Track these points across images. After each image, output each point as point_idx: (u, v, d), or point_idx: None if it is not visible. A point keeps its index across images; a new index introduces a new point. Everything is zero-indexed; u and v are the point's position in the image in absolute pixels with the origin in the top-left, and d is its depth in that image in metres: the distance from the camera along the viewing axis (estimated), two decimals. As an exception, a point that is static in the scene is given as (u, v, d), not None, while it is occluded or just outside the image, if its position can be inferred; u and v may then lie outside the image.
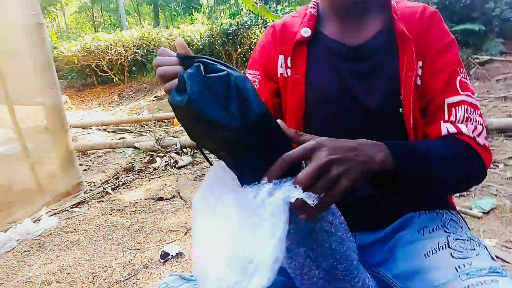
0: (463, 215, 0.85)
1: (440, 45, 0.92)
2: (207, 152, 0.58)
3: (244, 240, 0.51)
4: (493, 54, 5.48)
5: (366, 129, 0.91)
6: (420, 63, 0.91)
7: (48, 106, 2.51)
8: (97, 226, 2.06)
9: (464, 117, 0.84)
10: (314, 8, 0.99)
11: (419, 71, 0.90)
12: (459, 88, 0.90)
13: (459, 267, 0.75)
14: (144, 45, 7.99)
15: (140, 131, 4.72)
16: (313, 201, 0.51)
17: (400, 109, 0.89)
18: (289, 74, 0.94)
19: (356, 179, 0.58)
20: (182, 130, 4.51)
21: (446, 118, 0.84)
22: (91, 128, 5.17)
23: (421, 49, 0.90)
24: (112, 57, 7.88)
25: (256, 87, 0.95)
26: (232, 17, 7.76)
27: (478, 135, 0.82)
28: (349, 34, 0.92)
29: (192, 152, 3.34)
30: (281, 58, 0.95)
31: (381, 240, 0.92)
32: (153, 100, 6.84)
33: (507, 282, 0.71)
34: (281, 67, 0.95)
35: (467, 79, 0.91)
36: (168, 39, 7.68)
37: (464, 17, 6.03)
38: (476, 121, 0.84)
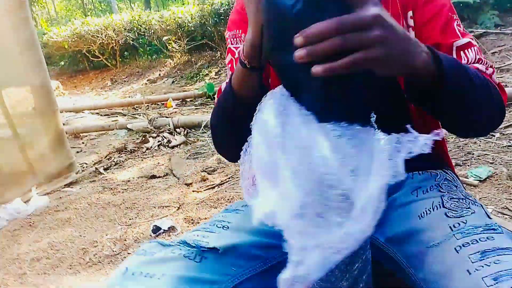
0: (474, 198, 0.81)
1: None
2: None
3: (341, 177, 0.46)
4: (488, 27, 5.41)
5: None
6: (410, 12, 0.87)
7: (36, 87, 2.45)
8: (89, 205, 2.03)
9: (476, 58, 0.81)
10: None
11: (410, 22, 0.86)
12: (459, 33, 0.87)
13: (454, 226, 0.72)
14: (135, 28, 7.86)
15: (133, 114, 4.67)
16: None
17: None
18: None
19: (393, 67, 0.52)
20: (175, 111, 4.46)
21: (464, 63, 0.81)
22: (83, 112, 5.11)
23: None
24: (103, 41, 7.76)
25: (236, 56, 0.89)
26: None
27: (492, 74, 0.79)
28: None
29: (186, 132, 3.30)
30: None
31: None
32: (146, 84, 6.77)
33: (503, 238, 0.67)
34: None
35: (461, 26, 0.88)
36: (159, 21, 7.55)
37: (458, -10, 5.95)
38: (487, 62, 0.81)
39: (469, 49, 0.86)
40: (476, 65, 0.80)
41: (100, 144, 3.38)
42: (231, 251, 0.71)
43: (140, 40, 7.94)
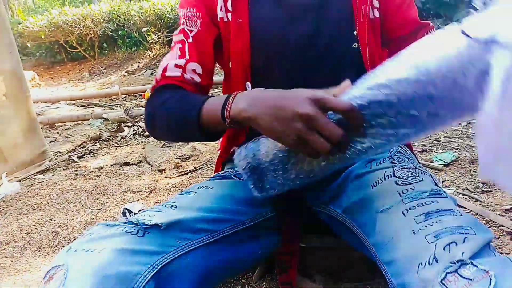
0: (425, 168, 0.86)
1: None
2: None
3: None
4: (463, 24, 5.54)
5: (320, 68, 0.89)
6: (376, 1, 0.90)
7: (6, 72, 2.41)
8: (60, 191, 2.02)
9: None
10: None
11: (376, 3, 0.89)
12: (416, 15, 0.95)
13: (403, 192, 0.76)
14: (114, 19, 7.75)
15: (110, 105, 4.62)
16: None
17: (355, 45, 0.88)
18: (229, 18, 0.88)
19: None
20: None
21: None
22: (59, 103, 5.02)
23: None
24: (81, 32, 7.63)
25: (197, 30, 0.89)
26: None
27: None
28: None
29: (162, 121, 3.29)
30: (220, 0, 0.89)
31: (330, 179, 0.93)
32: (124, 75, 6.69)
33: (446, 201, 0.72)
34: (221, 10, 0.89)
35: None
36: (138, 13, 7.47)
37: (436, -13, 6.05)
38: None
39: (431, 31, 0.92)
40: None
41: (75, 134, 3.34)
42: (176, 226, 0.73)
43: (119, 31, 7.83)
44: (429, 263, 0.58)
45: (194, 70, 0.89)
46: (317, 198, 0.94)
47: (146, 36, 7.16)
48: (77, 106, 4.84)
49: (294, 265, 0.96)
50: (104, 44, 8.28)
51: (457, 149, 1.95)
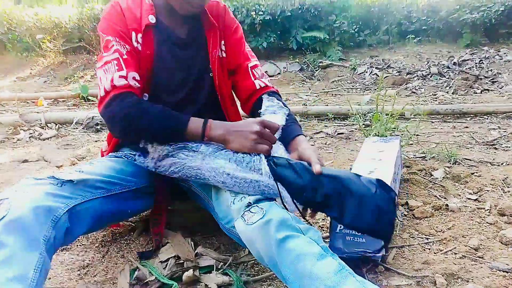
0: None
1: (232, 28, 1.44)
2: None
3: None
4: (333, 60, 6.55)
5: (194, 88, 1.40)
6: (223, 41, 1.42)
7: None
8: (-39, 182, 2.23)
9: (261, 73, 1.45)
10: None
11: (223, 47, 1.42)
12: (250, 56, 1.46)
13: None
14: (5, 22, 7.51)
15: (1, 111, 4.62)
16: None
17: (210, 74, 1.41)
18: (139, 49, 1.29)
19: None
20: (47, 109, 4.57)
21: (253, 78, 1.42)
22: None
23: (221, 32, 1.41)
24: (-34, 32, 7.26)
25: (127, 50, 1.25)
26: (107, 2, 7.73)
27: (269, 81, 1.46)
28: (180, 27, 1.37)
29: (57, 127, 3.53)
30: (133, 34, 1.28)
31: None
32: (15, 81, 6.56)
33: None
34: (135, 41, 1.28)
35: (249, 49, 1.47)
36: (33, 18, 7.36)
37: (314, 26, 7.04)
38: (264, 74, 1.46)
39: (257, 68, 1.46)
40: (264, 80, 1.43)
41: (-35, 136, 3.40)
42: (82, 182, 1.11)
43: (9, 35, 7.59)
44: (233, 203, 1.11)
45: (134, 78, 1.21)
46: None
47: (41, 43, 7.09)
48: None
49: (163, 222, 1.38)
50: (-7, 48, 7.92)
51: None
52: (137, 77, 1.23)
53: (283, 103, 1.40)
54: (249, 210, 1.06)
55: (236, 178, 1.11)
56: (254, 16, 6.49)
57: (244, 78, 1.43)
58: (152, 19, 1.30)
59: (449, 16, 6.92)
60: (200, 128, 1.17)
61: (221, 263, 1.32)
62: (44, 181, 1.05)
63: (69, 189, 1.07)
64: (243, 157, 1.13)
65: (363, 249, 1.20)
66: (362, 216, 1.04)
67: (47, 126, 3.53)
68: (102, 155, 1.48)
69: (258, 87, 1.41)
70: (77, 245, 1.49)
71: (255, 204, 1.06)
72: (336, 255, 0.96)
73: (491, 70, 5.36)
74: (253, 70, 1.45)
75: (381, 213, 1.04)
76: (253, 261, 1.34)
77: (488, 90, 4.75)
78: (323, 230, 1.55)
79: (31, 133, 3.31)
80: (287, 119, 1.30)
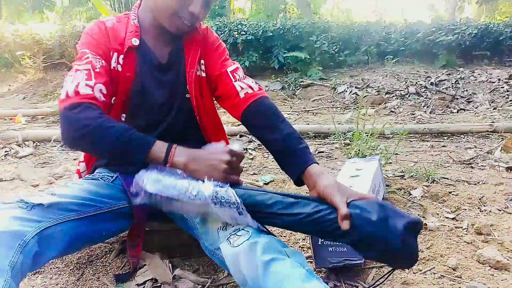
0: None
1: (214, 45, 1.43)
2: None
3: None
4: (314, 79, 6.66)
5: (171, 109, 1.38)
6: (202, 61, 1.41)
7: None
8: None
9: (243, 75, 1.40)
10: (135, 19, 1.32)
11: (202, 67, 1.41)
12: (230, 63, 1.42)
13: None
14: (-17, 37, 7.42)
15: (-25, 127, 4.52)
16: None
17: (187, 95, 1.41)
18: (119, 69, 1.27)
19: None
20: (24, 128, 4.48)
21: (234, 80, 1.36)
22: None
23: (203, 51, 1.40)
24: None
25: (101, 65, 1.20)
26: (90, 21, 7.75)
27: (253, 83, 1.37)
28: (163, 48, 1.36)
29: (35, 145, 3.47)
30: (115, 55, 1.27)
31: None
32: (-8, 97, 6.43)
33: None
34: (115, 62, 1.27)
35: (230, 59, 1.45)
36: (13, 35, 7.28)
37: (295, 46, 7.18)
38: (246, 77, 1.40)
39: (237, 71, 1.41)
40: (246, 81, 1.37)
41: None
42: (54, 205, 1.07)
43: (-11, 51, 7.49)
44: (225, 229, 1.10)
45: (100, 90, 1.16)
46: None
47: (21, 59, 7.01)
48: None
49: (140, 243, 1.35)
50: (-31, 62, 7.78)
51: (276, 173, 2.62)
52: (104, 91, 1.18)
53: (282, 116, 1.31)
54: (235, 233, 1.06)
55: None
56: (236, 36, 6.57)
57: (225, 84, 1.37)
58: (135, 41, 1.30)
59: (426, 38, 7.15)
60: (163, 153, 1.12)
61: (200, 286, 1.29)
62: (12, 205, 1.02)
63: (39, 212, 1.03)
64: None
65: (346, 257, 1.28)
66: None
67: (24, 144, 3.46)
68: (80, 176, 1.45)
69: (238, 88, 1.35)
70: (51, 268, 1.45)
71: (242, 228, 1.07)
72: (320, 278, 0.96)
73: (466, 90, 5.53)
74: (233, 73, 1.39)
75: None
76: (232, 283, 1.32)
77: (464, 109, 4.88)
78: (304, 251, 1.55)
79: (6, 151, 3.24)
80: (294, 139, 1.21)
